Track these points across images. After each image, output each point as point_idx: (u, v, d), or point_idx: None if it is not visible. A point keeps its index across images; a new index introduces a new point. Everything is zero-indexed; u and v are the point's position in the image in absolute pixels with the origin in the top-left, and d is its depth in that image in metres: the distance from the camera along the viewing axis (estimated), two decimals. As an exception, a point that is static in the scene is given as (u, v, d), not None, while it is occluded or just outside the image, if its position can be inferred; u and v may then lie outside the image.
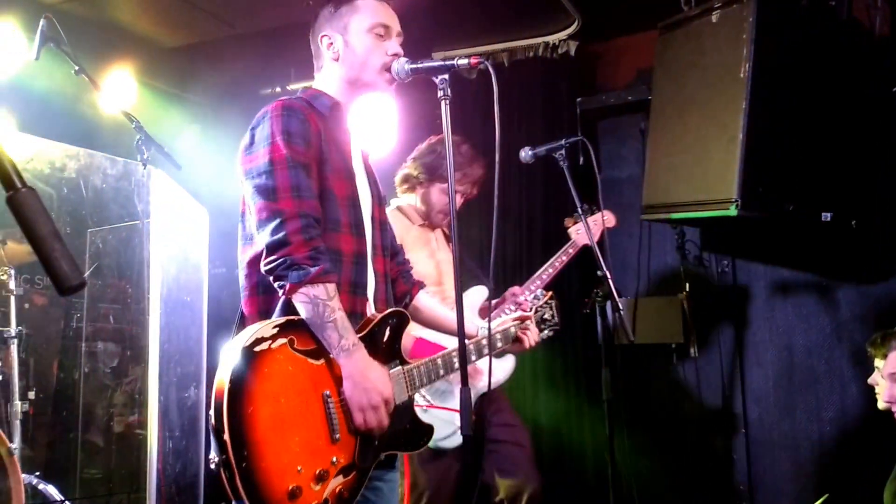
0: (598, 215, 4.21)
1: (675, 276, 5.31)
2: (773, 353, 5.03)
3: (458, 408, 3.67)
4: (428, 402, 3.74)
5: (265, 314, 2.42)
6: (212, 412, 2.15)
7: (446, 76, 2.41)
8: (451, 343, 3.59)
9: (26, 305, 5.10)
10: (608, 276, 3.82)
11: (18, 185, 1.21)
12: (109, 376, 5.76)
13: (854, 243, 4.61)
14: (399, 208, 4.20)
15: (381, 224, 2.71)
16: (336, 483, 2.29)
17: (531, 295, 4.06)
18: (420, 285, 2.96)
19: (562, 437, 5.27)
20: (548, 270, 4.20)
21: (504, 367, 4.04)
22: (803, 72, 4.06)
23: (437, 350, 3.01)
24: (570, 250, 4.26)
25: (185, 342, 4.88)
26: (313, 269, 2.28)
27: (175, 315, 4.70)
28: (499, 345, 3.00)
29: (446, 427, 3.76)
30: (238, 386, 2.15)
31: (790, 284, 5.00)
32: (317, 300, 2.28)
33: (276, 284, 2.33)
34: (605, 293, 3.92)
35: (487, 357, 2.88)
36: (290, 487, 2.16)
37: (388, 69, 2.57)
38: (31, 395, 4.74)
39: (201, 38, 5.74)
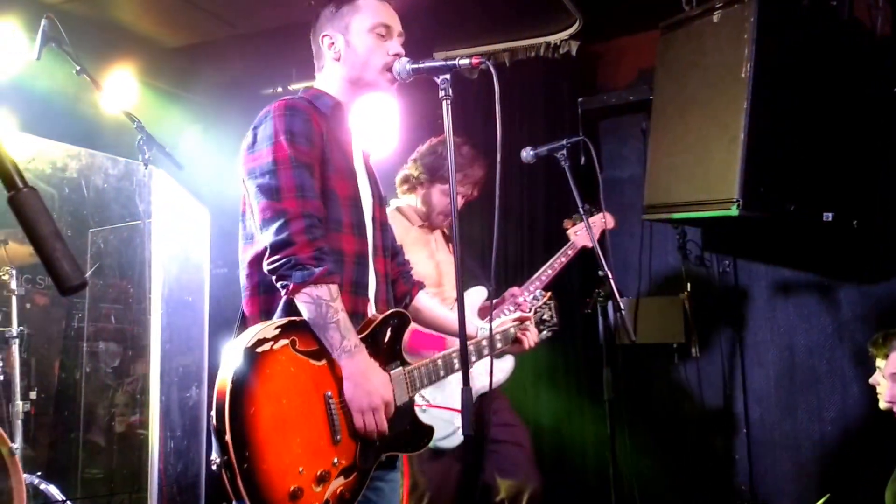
0: (597, 217, 4.21)
1: (676, 276, 5.31)
2: (774, 353, 5.03)
3: (457, 407, 3.69)
4: (427, 401, 3.73)
5: (266, 314, 2.41)
6: (213, 413, 2.14)
7: (448, 76, 2.40)
8: (449, 339, 3.60)
9: (28, 305, 5.11)
10: (609, 275, 3.82)
11: (20, 184, 1.20)
12: (111, 376, 5.76)
13: (855, 243, 4.60)
14: (399, 209, 4.20)
15: (381, 224, 2.71)
16: (337, 484, 2.29)
17: (530, 296, 4.07)
18: (420, 286, 2.96)
19: (563, 436, 5.27)
20: (547, 272, 4.20)
21: (503, 368, 4.04)
22: (804, 72, 4.06)
23: (432, 341, 3.03)
24: (569, 252, 4.26)
25: (187, 342, 4.89)
26: (317, 270, 2.28)
27: (176, 315, 4.71)
28: (498, 345, 3.00)
29: (445, 427, 3.76)
30: (240, 387, 2.14)
31: (791, 284, 5.00)
32: (320, 301, 2.28)
33: (278, 284, 2.32)
34: (607, 293, 3.92)
35: (487, 357, 2.88)
36: (292, 489, 2.16)
37: (389, 69, 2.56)
38: (33, 394, 4.75)
39: (202, 38, 5.74)
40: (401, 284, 2.88)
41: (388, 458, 2.49)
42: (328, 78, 2.66)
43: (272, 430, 2.17)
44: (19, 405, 4.41)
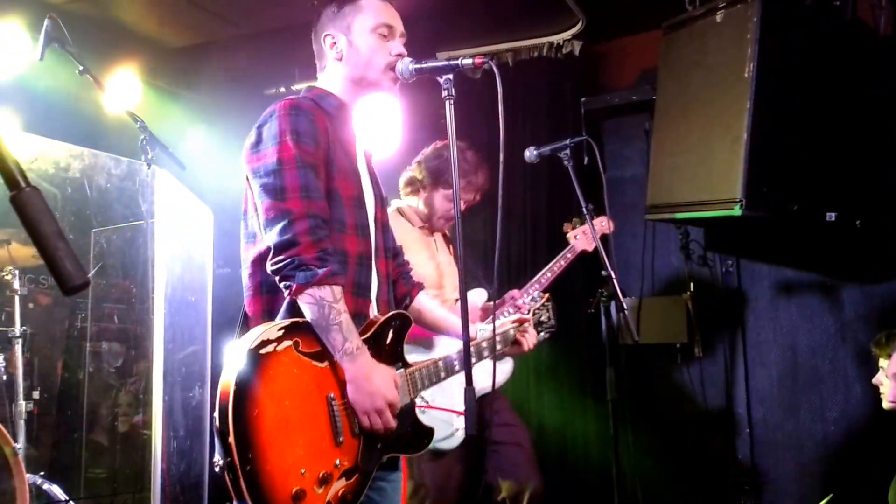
0: (597, 220, 4.20)
1: (679, 276, 5.31)
2: (777, 353, 5.03)
3: (456, 408, 3.69)
4: (426, 402, 3.73)
5: (269, 314, 2.41)
6: (216, 414, 2.14)
7: (451, 76, 2.40)
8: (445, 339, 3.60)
9: (31, 305, 5.11)
10: (612, 276, 3.82)
11: (22, 184, 1.20)
12: (114, 376, 5.76)
13: (858, 243, 4.60)
14: (400, 209, 4.19)
15: (383, 226, 2.70)
16: (339, 486, 2.28)
17: (528, 297, 4.07)
18: (420, 287, 2.96)
19: (566, 436, 5.27)
20: (546, 274, 4.20)
21: (503, 370, 4.04)
22: (807, 72, 4.06)
23: (427, 334, 3.03)
24: (569, 255, 4.26)
25: (190, 342, 4.88)
26: (321, 271, 2.27)
27: (179, 315, 4.69)
28: (498, 347, 3.00)
29: (445, 428, 3.76)
30: (244, 389, 2.14)
31: (794, 284, 5.00)
32: (323, 302, 2.28)
33: (282, 285, 2.32)
34: (610, 293, 3.92)
35: (486, 359, 2.89)
36: (294, 490, 2.16)
37: (392, 69, 2.56)
38: (36, 394, 4.74)
39: (205, 37, 5.75)
40: (401, 285, 2.88)
41: (389, 459, 2.49)
42: (330, 78, 2.65)
43: (275, 432, 2.16)
44: (22, 405, 4.41)
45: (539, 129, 5.47)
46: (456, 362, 2.70)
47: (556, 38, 5.55)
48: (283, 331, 2.26)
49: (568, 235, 4.32)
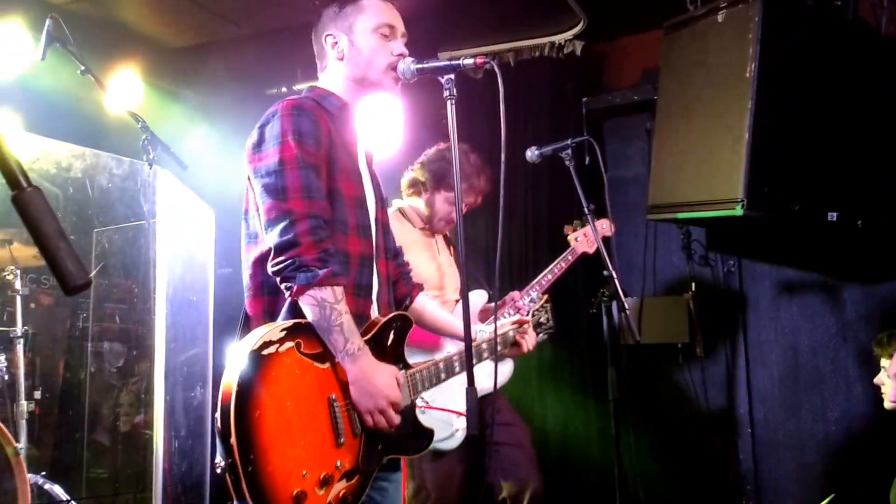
0: (598, 222, 4.19)
1: (680, 276, 5.31)
2: (778, 353, 5.02)
3: (456, 409, 3.69)
4: (426, 403, 3.73)
5: (270, 315, 2.40)
6: (218, 415, 2.13)
7: (452, 76, 2.40)
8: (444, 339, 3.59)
9: (32, 305, 5.11)
10: (614, 276, 3.82)
11: (24, 184, 1.20)
12: (115, 376, 5.77)
13: (860, 243, 4.60)
14: (401, 210, 4.19)
15: (383, 226, 2.70)
16: (340, 487, 2.28)
17: (528, 299, 4.07)
18: (420, 288, 2.96)
19: (568, 436, 5.27)
20: (546, 276, 4.19)
21: (503, 371, 4.04)
22: (809, 71, 4.06)
23: (428, 335, 3.03)
24: (570, 257, 4.25)
25: (192, 342, 4.88)
26: (321, 272, 2.26)
27: (181, 315, 4.70)
28: (498, 348, 3.00)
29: (445, 428, 3.76)
30: (246, 390, 2.13)
31: (796, 284, 4.99)
32: (324, 303, 2.27)
33: (282, 286, 2.31)
34: (611, 293, 3.92)
35: (486, 360, 2.89)
36: (295, 492, 2.15)
37: (393, 69, 2.56)
38: (38, 394, 4.75)
39: (207, 37, 5.75)
40: (401, 286, 2.87)
41: (389, 460, 2.49)
42: (332, 78, 2.65)
43: (277, 434, 2.16)
44: (24, 405, 4.42)
45: (540, 129, 5.47)
46: (456, 363, 2.69)
47: (558, 38, 5.54)
48: (285, 332, 2.25)
49: (569, 237, 4.32)
